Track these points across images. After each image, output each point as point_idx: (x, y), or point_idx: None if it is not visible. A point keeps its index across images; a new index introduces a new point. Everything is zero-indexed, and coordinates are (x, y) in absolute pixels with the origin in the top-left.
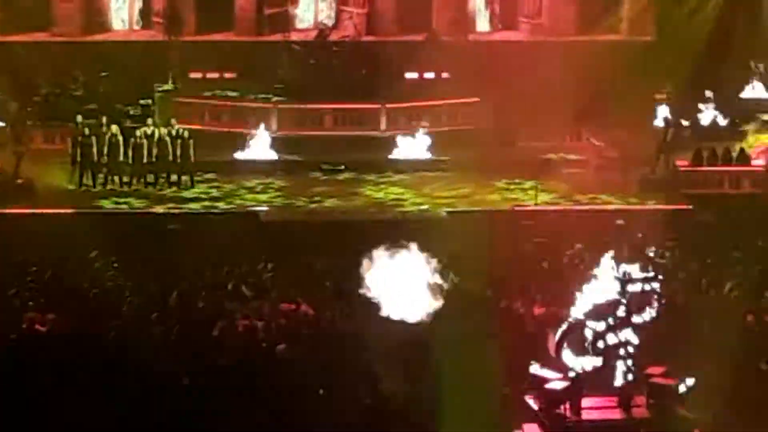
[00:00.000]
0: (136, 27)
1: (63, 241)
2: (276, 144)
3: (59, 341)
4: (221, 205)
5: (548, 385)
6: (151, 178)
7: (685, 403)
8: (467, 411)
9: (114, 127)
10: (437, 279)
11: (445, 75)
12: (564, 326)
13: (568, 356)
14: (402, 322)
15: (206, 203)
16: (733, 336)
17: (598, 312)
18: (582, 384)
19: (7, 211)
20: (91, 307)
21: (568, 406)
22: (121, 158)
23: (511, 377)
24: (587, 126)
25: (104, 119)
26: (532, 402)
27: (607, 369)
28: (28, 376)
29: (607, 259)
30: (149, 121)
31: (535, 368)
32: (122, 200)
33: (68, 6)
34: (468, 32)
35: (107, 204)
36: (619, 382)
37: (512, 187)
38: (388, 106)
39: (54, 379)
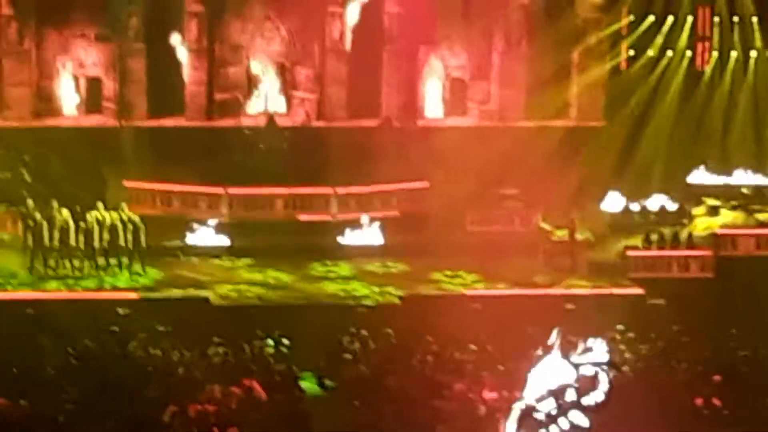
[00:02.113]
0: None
1: (13, 328)
2: (226, 229)
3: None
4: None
5: None
6: (102, 262)
7: None
8: None
9: (65, 212)
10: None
11: (395, 160)
12: (517, 412)
13: None
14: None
15: None
16: (682, 419)
17: (551, 396)
18: None
19: None
20: (42, 391)
21: None
22: (73, 243)
23: None
24: (538, 210)
25: (55, 204)
26: None
27: None
28: None
29: (557, 343)
30: (100, 205)
31: None
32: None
33: (19, 90)
34: (418, 118)
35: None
36: None
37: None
38: (338, 190)
39: None
